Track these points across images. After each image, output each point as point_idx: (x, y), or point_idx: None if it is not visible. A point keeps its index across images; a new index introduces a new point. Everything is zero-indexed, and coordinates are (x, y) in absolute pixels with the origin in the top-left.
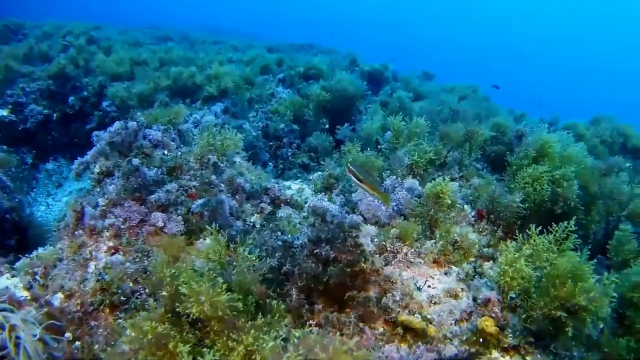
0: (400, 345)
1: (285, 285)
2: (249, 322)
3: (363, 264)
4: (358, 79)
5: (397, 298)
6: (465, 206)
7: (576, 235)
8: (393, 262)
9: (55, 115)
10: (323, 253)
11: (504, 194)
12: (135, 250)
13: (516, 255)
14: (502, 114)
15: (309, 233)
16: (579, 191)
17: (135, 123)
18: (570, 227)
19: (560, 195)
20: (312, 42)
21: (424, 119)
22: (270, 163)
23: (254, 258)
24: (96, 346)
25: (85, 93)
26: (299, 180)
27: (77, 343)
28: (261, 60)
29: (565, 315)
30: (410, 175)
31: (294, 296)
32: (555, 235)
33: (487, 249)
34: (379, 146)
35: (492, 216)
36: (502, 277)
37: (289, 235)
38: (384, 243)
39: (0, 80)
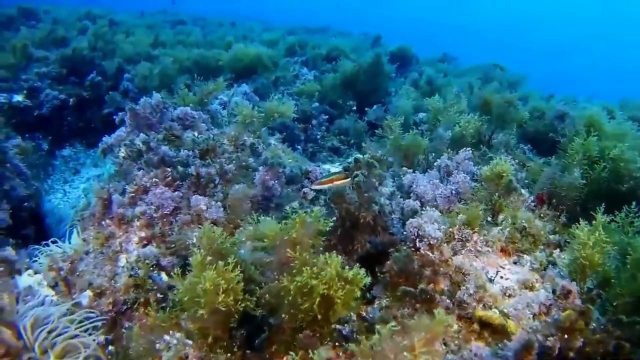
0: (479, 343)
1: None
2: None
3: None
4: (385, 60)
5: (471, 291)
6: (523, 190)
7: None
8: (463, 251)
9: (71, 100)
10: None
11: (562, 175)
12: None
13: (593, 225)
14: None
15: None
16: None
17: (158, 95)
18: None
19: (624, 172)
20: (327, 25)
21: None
22: (298, 146)
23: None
24: (132, 351)
25: (102, 76)
26: (337, 163)
27: (111, 347)
28: (284, 41)
29: None
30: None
31: None
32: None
33: (553, 235)
34: (418, 128)
35: (553, 200)
36: (581, 252)
37: None
38: (451, 230)
39: (15, 65)
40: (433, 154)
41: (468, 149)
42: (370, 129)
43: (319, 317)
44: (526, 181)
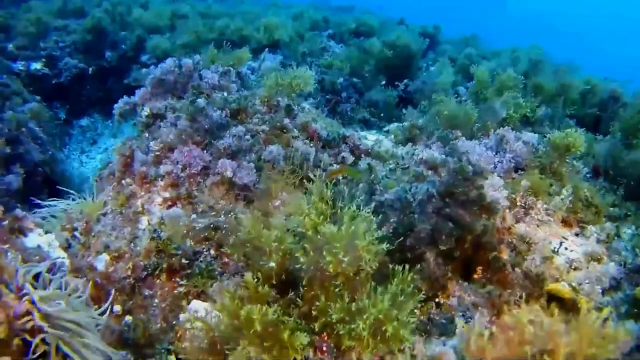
0: None
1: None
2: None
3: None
4: (418, 36)
5: (538, 262)
6: (574, 162)
7: None
8: (526, 219)
9: (90, 69)
10: (449, 211)
11: (625, 151)
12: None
13: None
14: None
15: (435, 186)
16: None
17: (190, 61)
18: None
19: None
20: (351, 4)
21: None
22: (327, 118)
23: (370, 218)
24: (153, 323)
25: (123, 47)
26: (374, 130)
27: (128, 318)
28: (309, 15)
29: None
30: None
31: (431, 261)
32: None
33: (612, 208)
34: (458, 98)
35: (611, 173)
36: None
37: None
38: (513, 196)
39: (33, 34)
40: (477, 125)
41: (535, 134)
42: (401, 102)
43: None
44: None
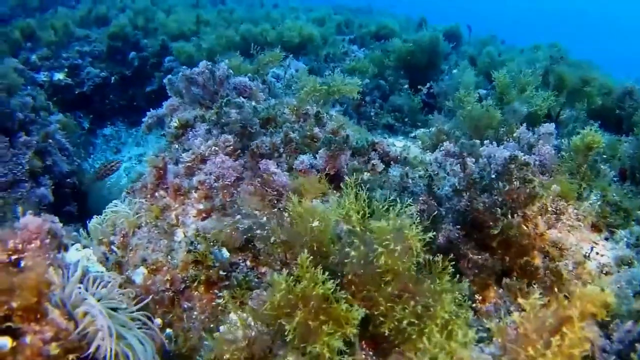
0: None
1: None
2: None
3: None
4: (440, 37)
5: (570, 267)
6: (602, 165)
7: None
8: (558, 225)
9: (113, 78)
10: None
11: None
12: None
13: None
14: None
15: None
16: None
17: (224, 68)
18: None
19: None
20: (369, 5)
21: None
22: (351, 122)
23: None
24: (193, 334)
25: (145, 53)
26: (400, 137)
27: (169, 330)
28: (331, 20)
29: None
30: None
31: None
32: None
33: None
34: (481, 101)
35: (638, 175)
36: None
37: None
38: (544, 202)
39: (56, 42)
40: (503, 129)
41: (552, 123)
42: (425, 107)
43: None
44: (604, 156)
